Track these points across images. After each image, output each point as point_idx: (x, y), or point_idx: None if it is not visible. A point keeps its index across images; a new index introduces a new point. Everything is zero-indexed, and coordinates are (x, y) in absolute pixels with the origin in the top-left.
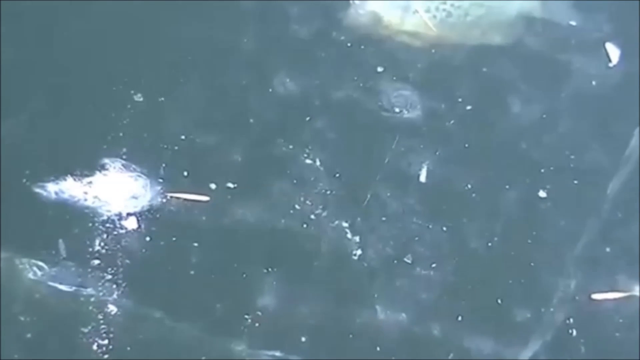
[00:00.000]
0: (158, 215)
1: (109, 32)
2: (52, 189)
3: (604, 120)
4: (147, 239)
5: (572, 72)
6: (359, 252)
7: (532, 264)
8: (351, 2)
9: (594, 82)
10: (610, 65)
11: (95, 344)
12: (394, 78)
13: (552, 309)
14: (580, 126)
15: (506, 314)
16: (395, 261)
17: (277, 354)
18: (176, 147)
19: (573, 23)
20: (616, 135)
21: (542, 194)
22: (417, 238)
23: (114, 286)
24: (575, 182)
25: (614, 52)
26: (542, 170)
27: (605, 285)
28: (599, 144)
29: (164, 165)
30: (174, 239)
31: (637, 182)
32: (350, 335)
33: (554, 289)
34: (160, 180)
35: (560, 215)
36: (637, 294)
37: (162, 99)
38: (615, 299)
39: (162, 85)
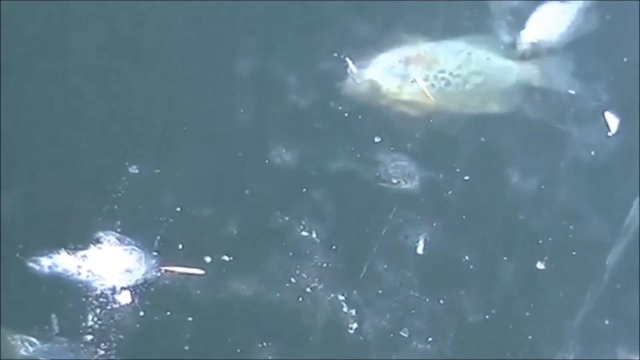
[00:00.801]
0: (152, 289)
1: (103, 103)
2: (45, 263)
3: (603, 190)
4: (141, 313)
5: (571, 142)
6: (355, 325)
7: (530, 337)
8: (349, 71)
9: (592, 152)
10: (609, 134)
11: None
12: (392, 148)
13: None
14: (579, 196)
15: None
16: (392, 335)
17: None
18: (171, 220)
19: (572, 92)
20: (615, 206)
21: (540, 265)
22: (413, 311)
23: None
24: (574, 253)
25: (612, 121)
26: (541, 242)
27: (605, 358)
28: (598, 214)
29: (158, 238)
30: (168, 313)
31: (637, 253)
32: None
33: None
34: (155, 254)
35: (559, 287)
36: None
37: (158, 170)
38: None
39: (158, 156)
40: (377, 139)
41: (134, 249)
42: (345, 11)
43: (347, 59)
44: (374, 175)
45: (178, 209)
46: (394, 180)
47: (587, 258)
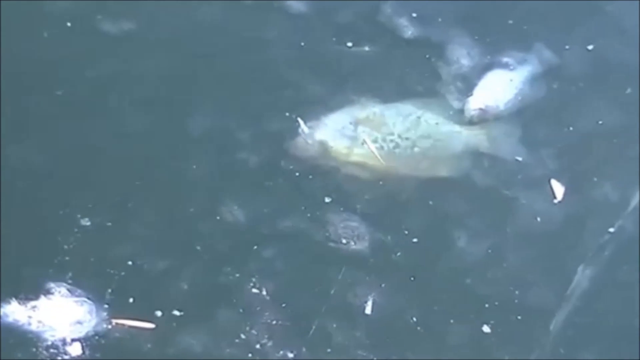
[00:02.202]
0: (103, 342)
1: (55, 155)
2: None
3: (549, 256)
4: None
5: (518, 208)
6: None
7: None
8: (300, 131)
9: (539, 218)
10: (555, 201)
11: None
12: (342, 209)
13: None
14: (525, 262)
15: None
16: None
17: None
18: (123, 273)
19: (519, 159)
20: (560, 272)
21: (486, 329)
22: None
23: None
24: (519, 317)
25: (558, 189)
26: (487, 305)
27: None
28: (543, 280)
29: (109, 290)
30: None
31: (580, 319)
32: None
33: None
34: (106, 306)
35: (504, 350)
36: None
37: (109, 223)
38: None
39: (110, 209)
40: (327, 199)
41: (84, 301)
42: (298, 71)
43: (299, 119)
44: (324, 235)
45: (130, 263)
46: (344, 241)
47: (532, 323)
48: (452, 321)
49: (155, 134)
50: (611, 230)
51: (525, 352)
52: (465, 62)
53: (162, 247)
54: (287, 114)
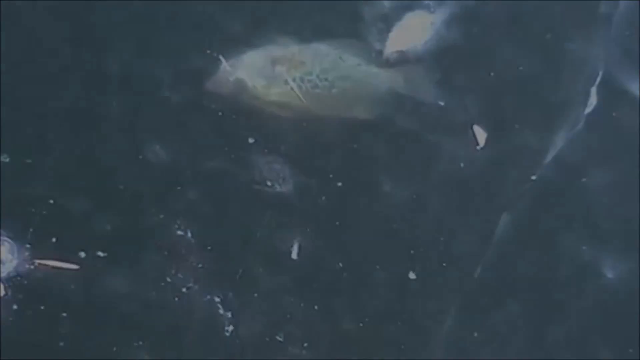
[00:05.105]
0: (25, 282)
1: None
2: None
3: (472, 203)
4: (14, 307)
5: (441, 153)
6: (231, 328)
7: (402, 346)
8: (222, 69)
9: (462, 164)
10: (478, 148)
11: None
12: (266, 150)
13: None
14: (449, 208)
15: None
16: (267, 339)
17: None
18: (44, 212)
19: (442, 103)
20: (483, 219)
21: (412, 275)
22: (289, 316)
23: None
24: (444, 264)
25: (481, 135)
26: (412, 252)
27: None
28: (467, 226)
29: (31, 230)
30: (42, 307)
31: (503, 266)
32: None
33: None
34: (28, 246)
35: (430, 297)
36: None
37: (29, 160)
38: None
39: (29, 146)
40: (250, 140)
41: (5, 240)
42: (217, 8)
43: (221, 57)
44: (249, 177)
45: (51, 201)
46: (269, 183)
47: (457, 270)
48: (378, 267)
49: (73, 71)
50: (533, 177)
51: (450, 299)
52: (386, 3)
53: (84, 186)
54: (208, 51)
